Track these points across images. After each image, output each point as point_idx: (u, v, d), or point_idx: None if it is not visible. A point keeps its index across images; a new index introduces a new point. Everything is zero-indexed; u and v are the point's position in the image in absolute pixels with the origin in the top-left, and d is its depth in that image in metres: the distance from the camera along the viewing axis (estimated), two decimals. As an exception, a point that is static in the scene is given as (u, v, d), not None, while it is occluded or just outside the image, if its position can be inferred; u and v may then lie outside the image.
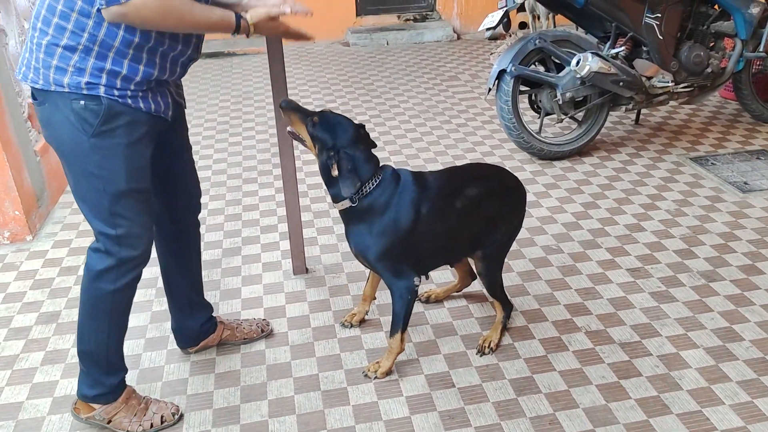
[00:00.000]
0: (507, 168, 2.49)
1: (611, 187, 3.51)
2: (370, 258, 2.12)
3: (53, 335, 2.52)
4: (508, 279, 2.74)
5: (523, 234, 3.07)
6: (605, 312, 2.52)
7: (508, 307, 2.40)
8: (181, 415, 2.11)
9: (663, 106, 4.14)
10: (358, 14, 6.83)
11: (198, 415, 2.12)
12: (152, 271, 2.88)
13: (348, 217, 2.13)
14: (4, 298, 2.75)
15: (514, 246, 2.94)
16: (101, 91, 1.69)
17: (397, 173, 2.13)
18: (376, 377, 2.23)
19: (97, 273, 1.87)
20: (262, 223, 3.31)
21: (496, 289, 2.35)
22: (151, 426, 2.05)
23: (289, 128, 2.15)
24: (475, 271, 2.41)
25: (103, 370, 1.99)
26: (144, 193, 1.87)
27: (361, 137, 2.10)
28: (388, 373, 2.23)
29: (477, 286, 2.56)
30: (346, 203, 2.07)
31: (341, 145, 2.03)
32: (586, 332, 2.42)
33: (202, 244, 3.09)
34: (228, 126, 4.61)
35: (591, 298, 2.61)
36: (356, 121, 2.16)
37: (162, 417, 2.07)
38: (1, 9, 3.22)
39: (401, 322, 2.16)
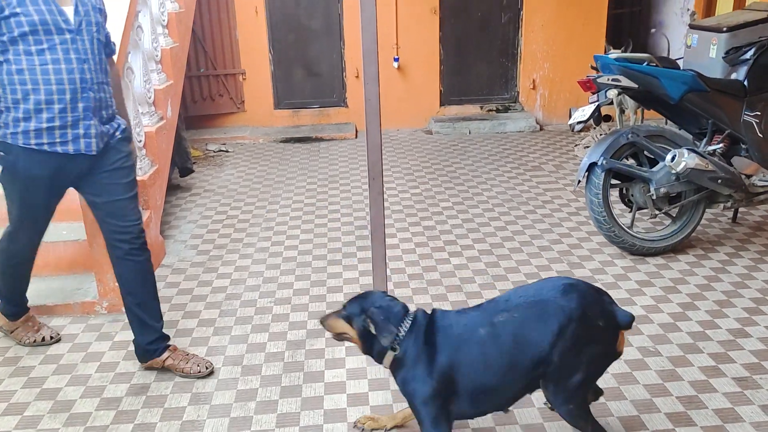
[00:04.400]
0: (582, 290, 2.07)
1: (710, 288, 3.33)
2: (414, 401, 2.08)
3: (142, 407, 2.56)
4: (602, 381, 2.59)
5: (616, 333, 2.94)
6: (711, 424, 2.34)
7: None
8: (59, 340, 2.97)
9: (763, 205, 3.97)
10: (441, 104, 7.03)
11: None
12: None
13: (395, 368, 2.12)
14: (98, 368, 2.84)
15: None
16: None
17: (426, 313, 2.14)
18: None
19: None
20: (346, 305, 3.31)
21: (578, 424, 2.11)
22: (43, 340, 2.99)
23: (332, 335, 2.23)
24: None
25: (7, 302, 2.96)
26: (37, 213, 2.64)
27: (381, 296, 2.18)
28: None
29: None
30: (390, 356, 2.10)
31: (367, 306, 2.12)
32: (691, 446, 2.24)
33: (286, 324, 3.14)
34: (314, 208, 4.74)
35: (695, 408, 2.43)
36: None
37: (44, 337, 2.99)
38: (130, 49, 3.55)
39: None
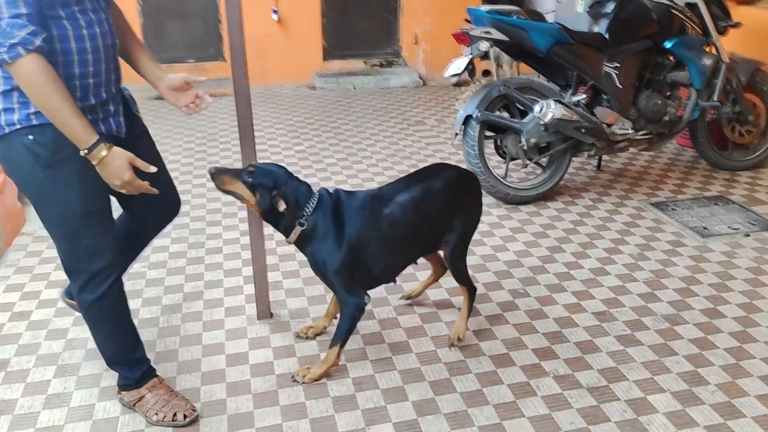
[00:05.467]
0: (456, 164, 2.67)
1: (576, 231, 3.55)
2: (326, 270, 2.30)
3: (1, 384, 2.38)
4: (475, 323, 2.72)
5: (490, 278, 3.07)
6: (573, 356, 2.51)
7: (472, 291, 2.60)
8: (195, 419, 2.20)
9: (623, 152, 4.25)
10: (324, 58, 6.92)
11: (154, 470, 2.01)
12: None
13: (303, 242, 2.31)
14: (-52, 346, 2.61)
15: (482, 290, 2.96)
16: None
17: (329, 191, 2.36)
18: (304, 382, 2.37)
19: (80, 287, 2.03)
20: (225, 266, 3.23)
21: (463, 278, 2.55)
22: (164, 418, 2.18)
23: (218, 187, 2.28)
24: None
25: (125, 367, 2.20)
26: (101, 211, 1.99)
27: (285, 174, 2.30)
28: (318, 380, 2.37)
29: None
30: (298, 230, 2.27)
31: (280, 183, 2.24)
32: (554, 377, 2.40)
33: (161, 288, 3.03)
34: (192, 168, 4.55)
35: (558, 342, 2.60)
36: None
37: (175, 414, 2.17)
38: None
39: (343, 336, 2.35)
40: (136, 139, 2.14)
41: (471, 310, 2.62)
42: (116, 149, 1.84)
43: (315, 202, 2.28)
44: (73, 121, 1.76)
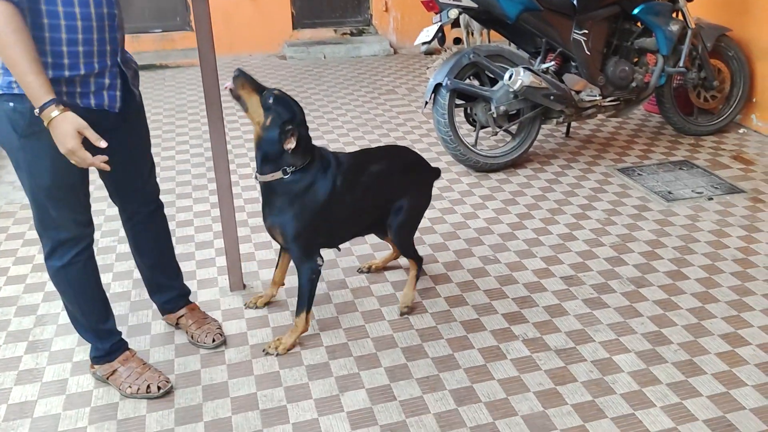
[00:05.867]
0: (416, 150, 2.81)
1: (545, 197, 3.60)
2: (288, 232, 2.28)
3: (-30, 362, 2.37)
4: (446, 290, 2.77)
5: (461, 245, 3.11)
6: (541, 320, 2.57)
7: (419, 261, 2.65)
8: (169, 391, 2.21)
9: (591, 119, 4.29)
10: (294, 27, 6.81)
11: (129, 441, 2.03)
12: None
13: (272, 190, 2.27)
14: None
15: (452, 257, 3.00)
16: None
17: (322, 153, 2.35)
18: (278, 353, 2.36)
19: (47, 254, 2.07)
20: (197, 239, 3.22)
21: (408, 252, 2.62)
22: (138, 391, 2.19)
23: (230, 87, 2.20)
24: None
25: (94, 336, 2.21)
26: (71, 187, 1.98)
27: (304, 118, 2.28)
28: (290, 349, 2.38)
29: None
30: (277, 176, 2.22)
31: (299, 122, 2.21)
32: (523, 340, 2.46)
33: (132, 261, 2.99)
34: (160, 140, 4.49)
35: (527, 307, 2.65)
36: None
37: (149, 386, 2.19)
38: None
39: (306, 301, 2.36)
40: (129, 116, 2.09)
41: (418, 279, 2.67)
42: (68, 114, 1.75)
43: (308, 161, 2.26)
44: (29, 77, 1.70)
